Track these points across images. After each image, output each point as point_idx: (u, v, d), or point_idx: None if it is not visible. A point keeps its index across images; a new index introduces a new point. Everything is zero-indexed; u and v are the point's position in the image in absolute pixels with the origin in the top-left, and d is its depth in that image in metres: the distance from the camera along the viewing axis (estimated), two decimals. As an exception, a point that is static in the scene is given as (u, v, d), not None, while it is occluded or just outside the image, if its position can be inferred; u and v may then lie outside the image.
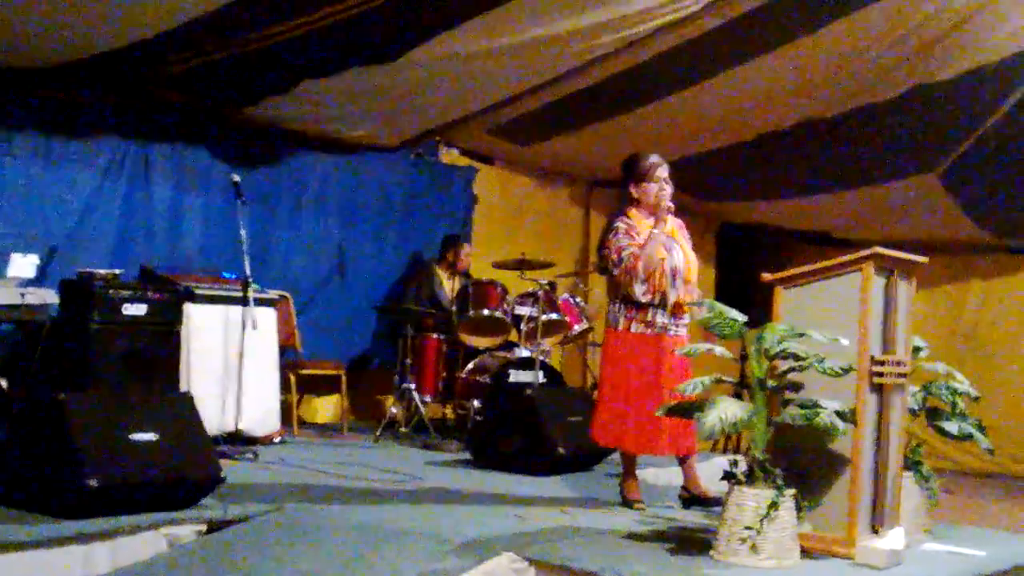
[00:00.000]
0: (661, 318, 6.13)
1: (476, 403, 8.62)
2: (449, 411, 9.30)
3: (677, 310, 6.16)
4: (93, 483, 4.85)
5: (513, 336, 9.18)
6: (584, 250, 11.89)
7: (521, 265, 9.11)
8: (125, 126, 8.26)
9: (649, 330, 6.13)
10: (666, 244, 6.16)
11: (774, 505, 4.79)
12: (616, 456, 7.43)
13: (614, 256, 6.11)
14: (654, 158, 6.29)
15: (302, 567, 4.75)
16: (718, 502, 6.23)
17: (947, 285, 12.01)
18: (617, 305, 6.20)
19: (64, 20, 6.75)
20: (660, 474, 7.20)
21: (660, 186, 6.21)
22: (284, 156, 9.29)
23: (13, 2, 6.42)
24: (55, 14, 6.64)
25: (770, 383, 5.02)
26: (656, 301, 6.10)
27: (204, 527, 5.19)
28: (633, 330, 6.13)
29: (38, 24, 6.77)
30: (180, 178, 8.60)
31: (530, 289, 9.01)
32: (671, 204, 6.19)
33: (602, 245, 6.24)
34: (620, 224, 6.18)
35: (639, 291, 6.09)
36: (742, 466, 5.05)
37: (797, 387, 5.06)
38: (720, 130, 9.89)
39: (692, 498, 6.34)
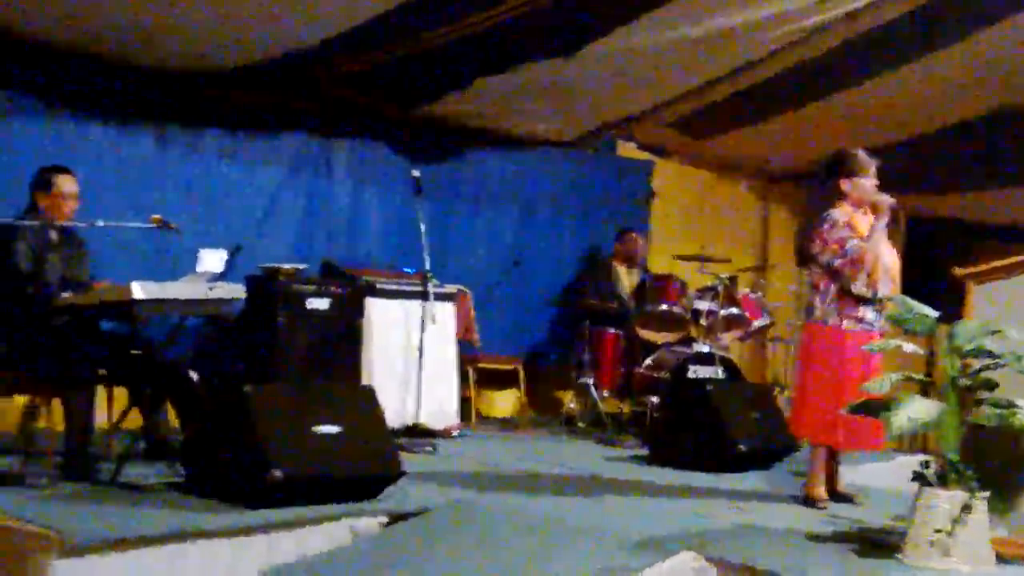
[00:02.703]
0: (871, 314, 6.02)
1: (654, 399, 8.53)
2: (627, 407, 9.23)
3: (881, 307, 6.03)
4: (277, 474, 4.95)
5: (692, 331, 9.08)
6: (763, 245, 11.70)
7: (700, 259, 8.99)
8: (307, 124, 8.44)
9: (860, 326, 6.03)
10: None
11: (967, 508, 4.62)
12: (799, 454, 7.32)
13: (834, 247, 5.99)
14: (863, 153, 6.19)
15: (479, 560, 4.78)
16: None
17: None
18: (828, 300, 6.08)
19: (249, 24, 6.92)
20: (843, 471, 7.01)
21: (874, 182, 6.12)
22: (462, 152, 9.37)
23: (201, 9, 6.60)
24: (241, 18, 6.81)
25: (963, 382, 4.83)
26: (871, 296, 5.97)
27: (385, 519, 5.25)
28: (845, 326, 6.02)
29: (224, 28, 6.96)
30: (360, 174, 8.74)
31: (709, 284, 8.89)
32: (893, 200, 6.05)
33: (812, 237, 6.10)
34: (838, 216, 6.06)
35: (861, 284, 5.98)
36: (932, 466, 4.89)
37: (991, 386, 4.85)
38: (905, 122, 9.60)
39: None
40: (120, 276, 6.46)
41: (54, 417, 5.79)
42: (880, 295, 6.03)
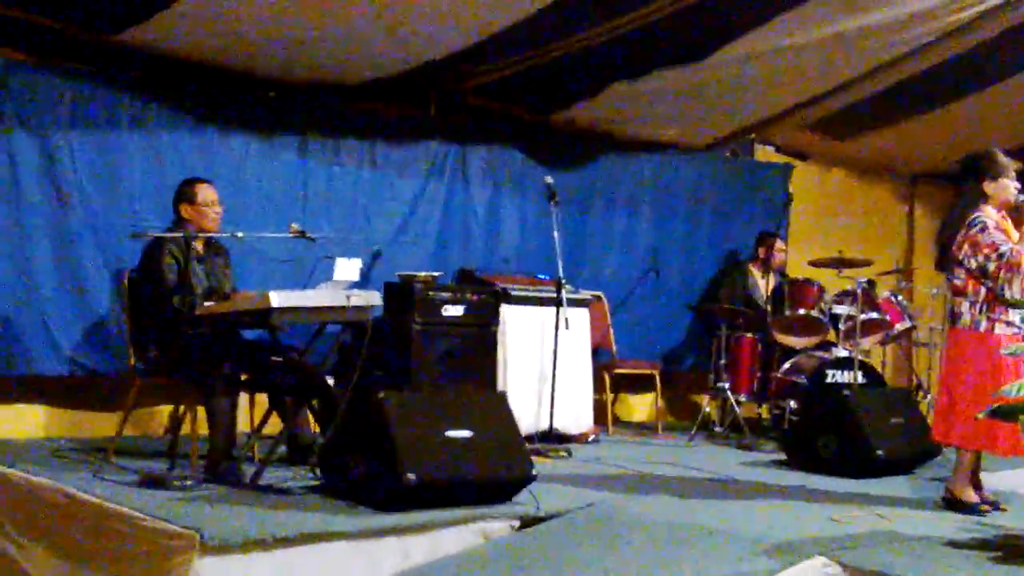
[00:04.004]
0: (1018, 318, 5.90)
1: (792, 403, 8.45)
2: (764, 411, 9.17)
3: None
4: (410, 478, 5.04)
5: (830, 335, 8.96)
6: (908, 247, 11.50)
7: (838, 263, 8.87)
8: (443, 133, 8.53)
9: (1010, 330, 5.92)
10: None
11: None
12: (940, 458, 7.20)
13: (986, 251, 5.88)
14: (1003, 154, 6.12)
15: (610, 564, 4.80)
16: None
17: None
18: (978, 304, 5.97)
19: (387, 37, 7.06)
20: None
21: (1016, 184, 6.03)
22: (596, 158, 9.37)
23: (340, 24, 6.76)
24: (379, 32, 6.96)
25: (1104, 384, 4.71)
26: (1022, 299, 5.85)
27: (517, 522, 5.30)
28: (997, 331, 5.91)
29: (362, 42, 7.11)
30: (496, 182, 8.81)
31: (848, 287, 8.76)
32: None
33: (960, 241, 5.99)
34: (987, 220, 5.96)
35: (1016, 289, 5.86)
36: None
37: None
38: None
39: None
40: (261, 284, 6.69)
41: (199, 422, 5.98)
42: None
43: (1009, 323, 5.90)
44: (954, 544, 5.16)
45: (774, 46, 7.64)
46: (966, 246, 5.94)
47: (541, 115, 8.87)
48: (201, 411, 5.94)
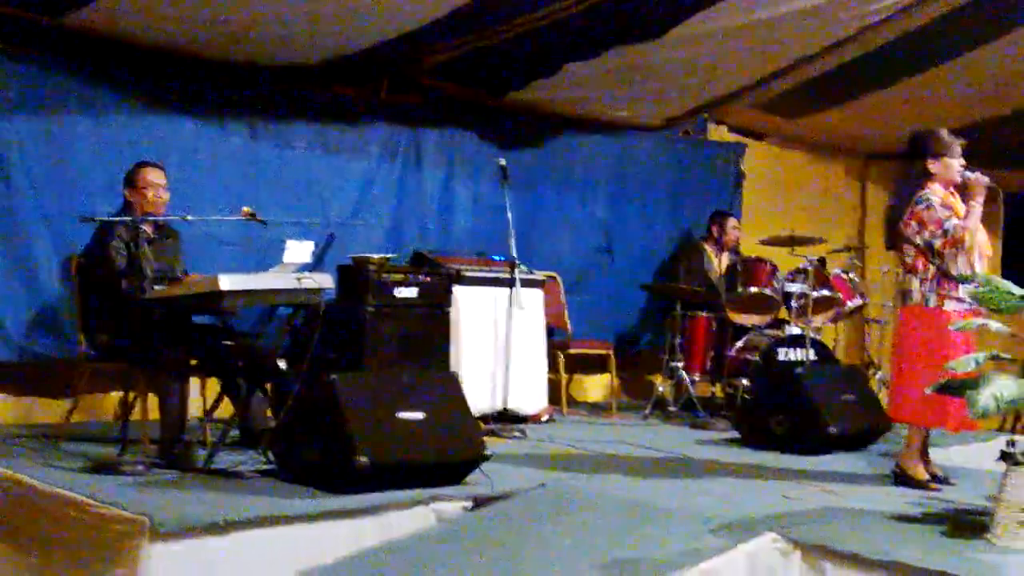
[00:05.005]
0: (967, 294, 5.94)
1: (745, 382, 8.50)
2: (718, 389, 9.22)
3: None
4: (362, 460, 5.04)
5: (783, 313, 9.01)
6: (861, 225, 11.55)
7: (791, 241, 8.92)
8: (397, 115, 8.50)
9: (960, 306, 5.95)
10: None
11: (1055, 487, 4.55)
12: (890, 435, 7.27)
13: (932, 227, 5.93)
14: (947, 133, 6.15)
15: (565, 543, 4.81)
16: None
17: None
18: (927, 281, 6.02)
19: (337, 17, 7.01)
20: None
21: (961, 161, 6.06)
22: (550, 139, 9.36)
23: (290, 4, 6.71)
24: (329, 12, 6.91)
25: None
26: (970, 276, 5.89)
27: (470, 503, 5.30)
28: (947, 307, 5.96)
29: (312, 22, 7.05)
30: (450, 163, 8.80)
31: (800, 265, 8.80)
32: (987, 179, 5.99)
33: (907, 219, 6.03)
34: (933, 197, 6.01)
35: (961, 264, 5.91)
36: (1021, 446, 4.82)
37: (1080, 363, 4.78)
38: (1005, 95, 9.40)
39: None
40: (212, 268, 6.60)
41: (150, 406, 5.94)
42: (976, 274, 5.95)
43: (959, 299, 5.94)
44: (903, 519, 5.23)
45: (727, 25, 7.65)
46: (913, 224, 6.00)
47: (495, 96, 8.84)
48: (152, 396, 5.90)
